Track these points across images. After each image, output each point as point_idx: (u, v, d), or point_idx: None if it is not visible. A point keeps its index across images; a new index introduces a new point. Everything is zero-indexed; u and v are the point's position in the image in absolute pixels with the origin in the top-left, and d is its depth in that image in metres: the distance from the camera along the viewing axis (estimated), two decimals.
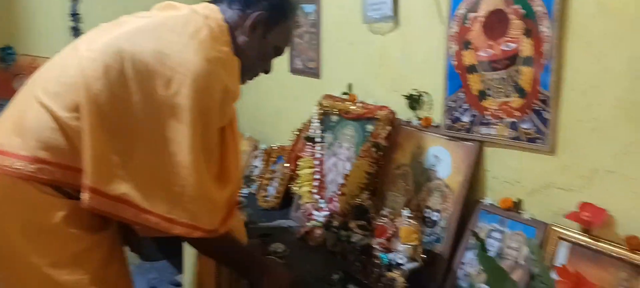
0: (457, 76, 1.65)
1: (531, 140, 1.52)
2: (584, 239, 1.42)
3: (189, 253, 2.18)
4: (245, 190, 2.56)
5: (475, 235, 1.19)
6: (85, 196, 1.23)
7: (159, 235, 1.40)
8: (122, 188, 1.25)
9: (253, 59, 1.46)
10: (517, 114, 1.53)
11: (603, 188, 1.40)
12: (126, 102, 1.24)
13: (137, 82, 1.23)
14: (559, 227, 1.48)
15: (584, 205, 1.42)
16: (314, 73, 2.35)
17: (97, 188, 1.23)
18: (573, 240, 1.44)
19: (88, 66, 1.25)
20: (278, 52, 1.54)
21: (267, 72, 1.55)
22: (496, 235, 1.60)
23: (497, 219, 1.61)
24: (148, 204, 1.26)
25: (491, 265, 1.14)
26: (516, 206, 1.60)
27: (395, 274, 1.63)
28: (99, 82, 1.23)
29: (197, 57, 1.24)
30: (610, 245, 1.37)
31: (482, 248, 1.15)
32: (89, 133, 1.22)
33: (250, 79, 1.54)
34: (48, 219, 1.26)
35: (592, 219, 1.39)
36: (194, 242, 1.46)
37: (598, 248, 1.39)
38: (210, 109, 1.27)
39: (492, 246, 1.58)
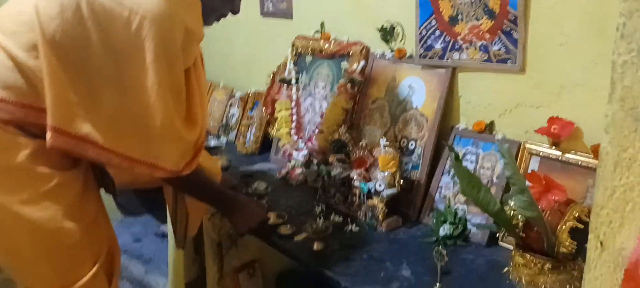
0: (428, 3, 1.68)
1: (502, 61, 1.57)
2: (553, 152, 1.49)
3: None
4: (223, 138, 2.58)
5: (450, 148, 1.24)
6: (48, 135, 1.23)
7: (123, 173, 1.46)
8: (85, 127, 1.25)
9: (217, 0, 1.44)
10: (488, 36, 1.57)
11: (571, 102, 1.46)
12: (85, 42, 1.22)
13: (94, 23, 1.21)
14: (529, 143, 1.54)
15: (553, 119, 1.48)
16: (286, 14, 2.34)
17: (60, 128, 1.23)
18: (543, 154, 1.51)
19: (43, 6, 1.22)
20: None
21: (234, 12, 1.52)
22: (471, 157, 1.66)
23: (471, 142, 1.67)
24: (110, 143, 1.28)
25: (466, 175, 1.19)
26: (489, 128, 1.65)
27: (375, 201, 1.68)
28: (54, 22, 1.21)
29: None
30: (577, 155, 1.45)
31: (457, 158, 1.20)
32: (48, 73, 1.21)
33: (218, 19, 1.51)
34: (12, 158, 1.25)
35: (560, 132, 1.46)
36: (163, 179, 1.48)
37: (566, 160, 1.46)
38: (172, 49, 1.27)
39: (467, 168, 1.64)
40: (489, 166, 1.62)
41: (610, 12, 1.32)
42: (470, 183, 1.19)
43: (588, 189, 1.42)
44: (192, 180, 1.48)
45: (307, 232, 1.59)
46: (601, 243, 0.57)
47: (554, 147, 1.49)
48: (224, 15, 1.52)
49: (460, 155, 1.66)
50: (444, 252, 1.26)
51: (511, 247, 1.47)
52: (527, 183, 1.18)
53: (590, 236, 0.59)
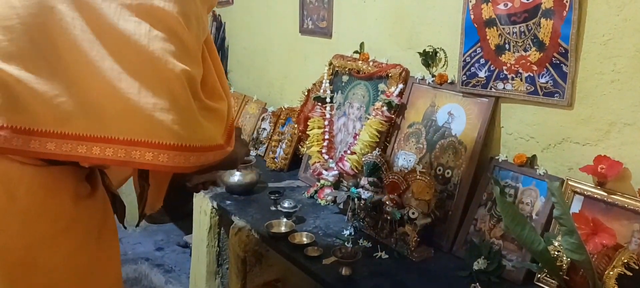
0: (474, 30, 1.64)
1: (549, 94, 1.52)
2: (598, 192, 1.42)
3: (198, 214, 2.20)
4: (253, 152, 2.57)
5: (495, 180, 1.19)
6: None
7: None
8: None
9: None
10: (535, 68, 1.52)
11: (620, 141, 1.40)
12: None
13: None
14: (573, 180, 1.48)
15: (600, 158, 1.42)
16: (325, 33, 2.33)
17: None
18: (587, 193, 1.45)
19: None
20: None
21: None
22: (510, 191, 1.60)
23: (511, 175, 1.61)
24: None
25: (510, 210, 1.15)
26: (530, 162, 1.60)
27: (407, 229, 1.64)
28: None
29: None
30: (624, 197, 1.38)
31: (502, 192, 1.16)
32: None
33: None
34: (17, 192, 1.06)
35: (607, 172, 1.39)
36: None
37: (612, 201, 1.39)
38: None
39: (512, 203, 1.58)
40: (528, 202, 1.56)
41: None
42: (515, 220, 1.15)
43: (634, 234, 1.35)
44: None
45: (336, 256, 1.55)
46: None
47: (599, 187, 1.43)
48: None
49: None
50: None
51: None
52: None
53: None
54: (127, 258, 2.85)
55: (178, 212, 2.66)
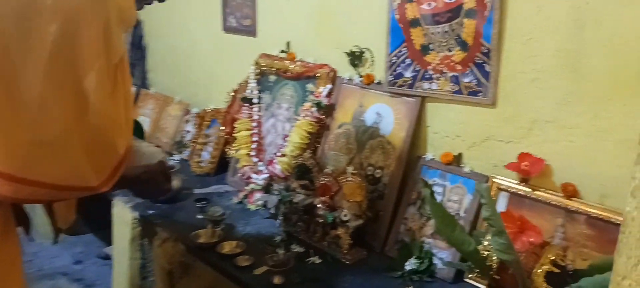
0: (400, 30, 1.64)
1: (472, 93, 1.54)
2: (522, 189, 1.46)
3: (119, 224, 2.07)
4: (177, 156, 2.45)
5: (424, 182, 1.18)
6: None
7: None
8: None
9: None
10: (459, 67, 1.54)
11: (542, 138, 1.44)
12: None
13: None
14: (498, 177, 1.52)
15: (523, 156, 1.46)
16: (250, 31, 2.26)
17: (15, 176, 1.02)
18: (512, 190, 1.48)
19: None
20: None
21: None
22: (438, 189, 1.62)
23: (438, 174, 1.63)
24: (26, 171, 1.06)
25: (441, 212, 1.14)
26: (457, 160, 1.62)
27: (339, 232, 1.61)
28: None
29: None
30: (547, 193, 1.42)
31: (431, 195, 1.15)
32: None
33: (141, 6, 1.34)
34: None
35: (530, 169, 1.43)
36: None
37: (536, 197, 1.44)
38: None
39: (443, 205, 1.59)
40: (456, 199, 1.58)
41: (585, 50, 1.31)
42: (445, 221, 1.14)
43: (557, 228, 1.40)
44: None
45: (267, 265, 1.50)
46: None
47: (523, 184, 1.47)
48: (150, 2, 1.37)
49: None
50: None
51: (479, 285, 1.44)
52: None
53: None
54: (44, 274, 2.65)
55: (97, 222, 2.51)
